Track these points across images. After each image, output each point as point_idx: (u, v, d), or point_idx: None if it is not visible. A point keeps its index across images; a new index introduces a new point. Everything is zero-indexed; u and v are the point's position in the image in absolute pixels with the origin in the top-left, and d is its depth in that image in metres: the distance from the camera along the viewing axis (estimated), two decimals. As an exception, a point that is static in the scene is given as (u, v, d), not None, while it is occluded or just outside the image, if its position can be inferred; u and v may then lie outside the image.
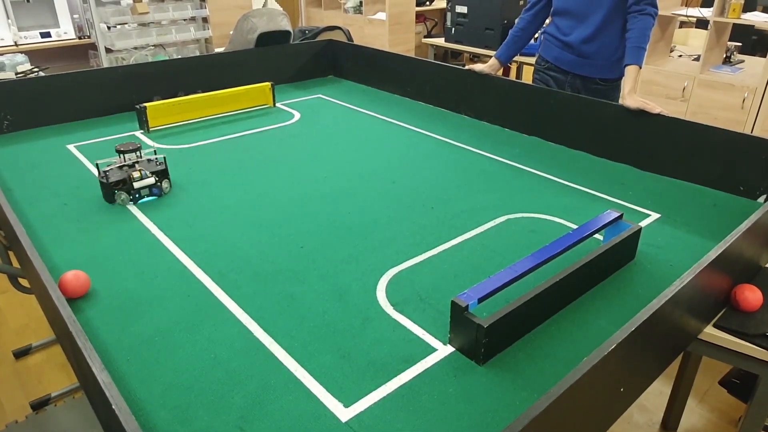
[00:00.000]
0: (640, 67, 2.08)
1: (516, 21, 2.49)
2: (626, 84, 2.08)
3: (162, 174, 1.84)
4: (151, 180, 1.81)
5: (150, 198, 1.82)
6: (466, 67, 2.58)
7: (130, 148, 1.81)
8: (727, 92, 3.74)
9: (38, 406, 2.12)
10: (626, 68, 2.09)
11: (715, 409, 2.14)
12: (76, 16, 4.05)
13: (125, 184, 1.78)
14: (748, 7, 3.78)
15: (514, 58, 3.35)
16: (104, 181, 1.76)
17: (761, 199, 1.79)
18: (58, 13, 3.99)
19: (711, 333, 1.26)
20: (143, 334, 1.21)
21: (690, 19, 3.93)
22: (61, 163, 2.08)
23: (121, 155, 1.81)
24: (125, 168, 1.80)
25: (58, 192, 1.85)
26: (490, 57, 2.50)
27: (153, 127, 2.43)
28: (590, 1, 2.20)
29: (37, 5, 3.89)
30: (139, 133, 2.39)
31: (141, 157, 1.85)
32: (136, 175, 1.78)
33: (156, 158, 1.88)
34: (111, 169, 1.81)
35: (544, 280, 1.20)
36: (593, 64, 2.30)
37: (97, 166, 1.81)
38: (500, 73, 2.51)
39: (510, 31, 2.47)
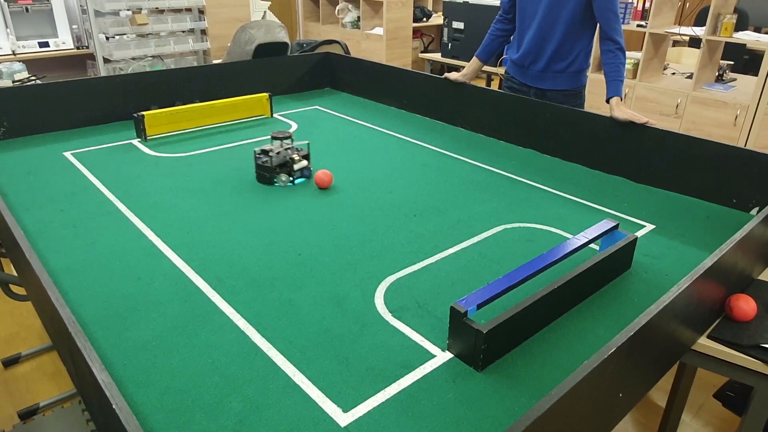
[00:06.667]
0: (621, 99, 2.15)
1: (493, 23, 2.52)
2: (613, 101, 2.12)
3: (307, 158, 1.97)
4: (305, 163, 1.94)
5: (301, 179, 1.94)
6: (443, 76, 2.61)
7: (285, 135, 1.94)
8: (719, 109, 3.79)
9: (26, 415, 2.09)
10: (609, 100, 2.13)
11: (710, 424, 2.14)
12: (75, 26, 4.07)
13: (286, 166, 1.92)
14: (740, 27, 3.85)
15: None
16: (266, 164, 1.89)
17: (754, 212, 1.81)
18: (57, 23, 4.00)
19: (705, 344, 1.27)
20: (140, 338, 1.20)
21: (683, 37, 4.00)
22: (57, 170, 2.08)
23: (277, 141, 1.92)
24: (282, 152, 1.92)
25: (54, 198, 1.85)
26: (486, 72, 2.53)
27: (150, 135, 2.44)
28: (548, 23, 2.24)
29: (36, 15, 3.91)
30: (136, 142, 2.39)
31: (291, 143, 1.95)
32: (296, 157, 1.93)
33: (299, 145, 2.00)
34: (269, 153, 1.91)
35: (542, 288, 1.21)
36: (553, 78, 2.34)
37: (254, 152, 1.95)
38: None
39: (488, 32, 2.51)
